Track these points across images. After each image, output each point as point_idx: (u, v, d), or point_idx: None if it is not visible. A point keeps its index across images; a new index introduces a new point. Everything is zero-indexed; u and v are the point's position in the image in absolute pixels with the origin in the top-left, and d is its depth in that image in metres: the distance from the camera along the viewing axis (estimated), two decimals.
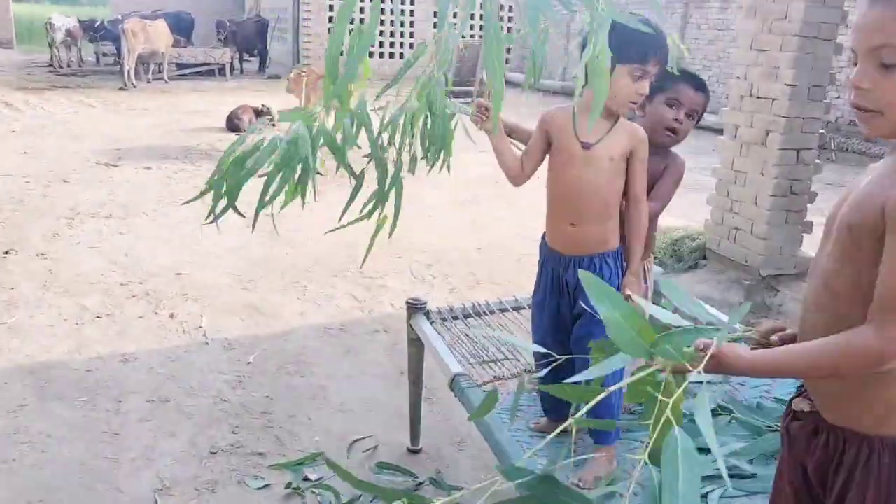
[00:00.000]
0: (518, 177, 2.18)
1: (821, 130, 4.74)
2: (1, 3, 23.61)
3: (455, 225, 6.11)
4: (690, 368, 1.16)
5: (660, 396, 1.10)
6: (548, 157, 2.14)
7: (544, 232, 2.22)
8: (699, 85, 2.32)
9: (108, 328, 3.93)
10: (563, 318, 2.12)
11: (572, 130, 2.05)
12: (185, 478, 2.74)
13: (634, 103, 2.02)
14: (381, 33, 18.42)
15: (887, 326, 1.15)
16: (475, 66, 14.10)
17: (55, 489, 2.65)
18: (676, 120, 2.27)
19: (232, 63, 17.01)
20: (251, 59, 18.96)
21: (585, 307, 2.01)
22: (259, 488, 2.69)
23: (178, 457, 2.87)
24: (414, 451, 2.96)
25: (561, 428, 1.15)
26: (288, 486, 2.69)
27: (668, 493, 0.96)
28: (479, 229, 6.00)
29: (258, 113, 10.26)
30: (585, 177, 2.04)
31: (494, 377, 2.49)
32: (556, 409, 2.22)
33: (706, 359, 1.16)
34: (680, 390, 1.11)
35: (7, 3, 23.77)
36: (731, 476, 2.01)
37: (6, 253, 4.93)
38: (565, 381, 1.15)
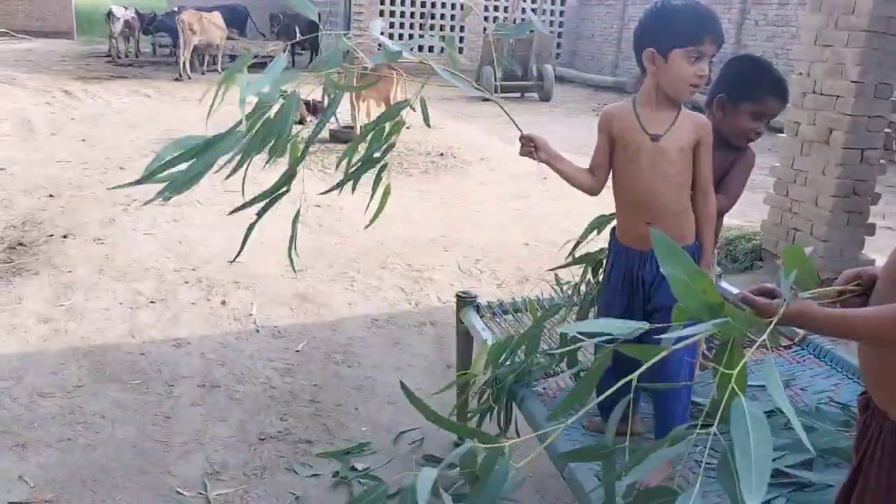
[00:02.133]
0: (593, 187, 2.14)
1: (886, 130, 4.57)
2: None
3: (502, 220, 6.07)
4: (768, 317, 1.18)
5: (721, 369, 1.09)
6: (614, 156, 2.09)
7: (613, 227, 2.16)
8: (785, 95, 2.28)
9: (161, 313, 4.00)
10: (633, 315, 2.05)
11: (636, 124, 2.00)
12: (235, 463, 2.77)
13: (695, 86, 1.94)
14: (432, 27, 18.42)
15: None
16: (527, 61, 14.00)
17: (108, 470, 2.70)
18: (757, 132, 2.25)
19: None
20: (302, 52, 19.14)
21: (662, 303, 1.98)
22: (307, 476, 2.70)
23: (228, 442, 2.90)
24: (460, 445, 2.93)
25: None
26: (335, 475, 2.70)
27: (742, 457, 0.95)
28: (526, 225, 5.95)
29: (309, 106, 10.35)
30: (657, 169, 1.99)
31: (546, 374, 2.45)
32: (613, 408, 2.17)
33: (783, 307, 1.15)
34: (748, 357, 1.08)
35: None
36: (790, 485, 1.95)
37: (65, 237, 5.06)
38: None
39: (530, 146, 2.08)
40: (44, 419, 2.99)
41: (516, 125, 2.12)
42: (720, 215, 2.19)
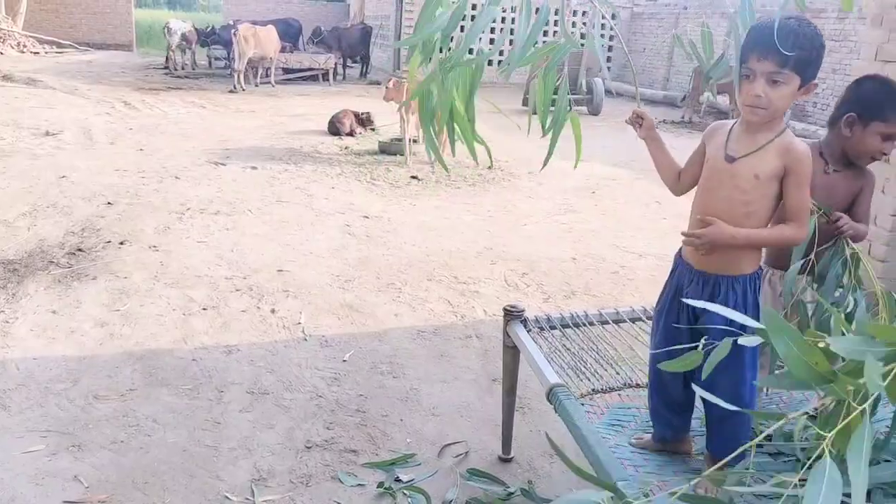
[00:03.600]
0: (674, 185, 2.17)
1: None
2: (123, 8, 25.12)
3: (550, 234, 6.04)
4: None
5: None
6: None
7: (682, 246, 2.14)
8: None
9: (213, 320, 4.08)
10: (679, 330, 2.04)
11: (723, 142, 1.97)
12: (281, 470, 2.80)
13: (751, 106, 1.88)
14: (480, 40, 18.47)
15: None
16: (576, 74, 13.94)
17: (159, 472, 2.76)
18: (883, 152, 2.23)
19: (335, 68, 17.46)
20: (353, 64, 19.41)
21: (710, 325, 1.94)
22: (352, 485, 2.72)
23: (275, 449, 2.94)
24: (505, 460, 2.93)
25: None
26: (380, 485, 2.71)
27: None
28: (574, 240, 5.91)
29: (359, 118, 10.49)
30: (723, 191, 1.95)
31: (593, 390, 2.43)
32: (668, 426, 2.15)
33: None
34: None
35: (129, 8, 25.27)
36: None
37: (121, 244, 5.20)
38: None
39: (638, 120, 2.15)
40: (98, 421, 3.07)
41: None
42: (860, 239, 2.16)
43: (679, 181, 2.16)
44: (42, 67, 17.06)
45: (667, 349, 2.01)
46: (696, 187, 2.09)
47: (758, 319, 1.96)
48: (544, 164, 2.44)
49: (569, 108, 2.24)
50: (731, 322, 1.89)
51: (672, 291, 2.07)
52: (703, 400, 2.05)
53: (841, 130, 2.34)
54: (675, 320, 2.05)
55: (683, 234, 1.99)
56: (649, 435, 2.21)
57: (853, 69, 4.59)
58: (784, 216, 1.97)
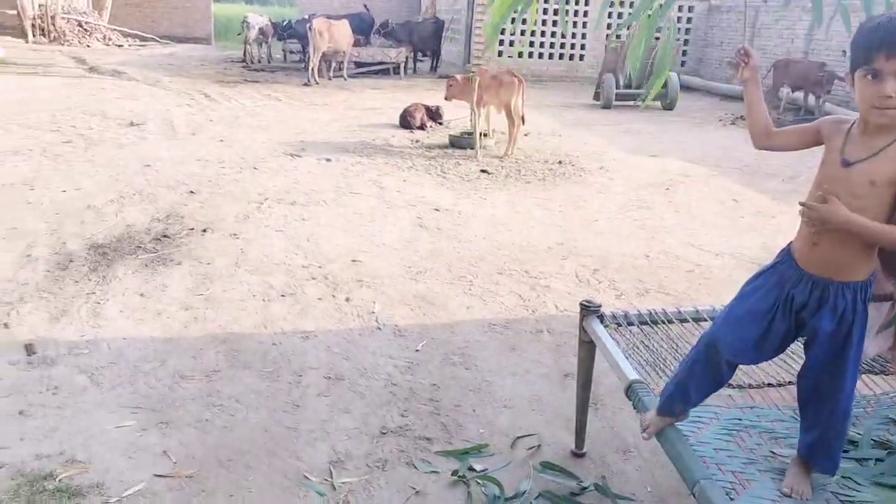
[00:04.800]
0: (761, 137, 2.09)
1: None
2: (203, 3, 25.87)
3: (622, 230, 5.98)
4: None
5: None
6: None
7: (791, 241, 2.07)
8: None
9: (291, 307, 4.20)
10: (773, 330, 1.98)
11: (839, 143, 1.89)
12: (358, 454, 2.88)
13: (881, 108, 1.78)
14: (553, 34, 18.35)
15: None
16: (649, 67, 13.71)
17: (242, 451, 2.87)
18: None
19: (407, 62, 17.60)
20: (424, 58, 19.52)
21: (818, 327, 1.92)
22: (427, 472, 2.77)
23: (352, 433, 3.02)
24: (578, 455, 2.93)
25: None
26: (454, 473, 2.75)
27: None
28: (647, 236, 5.83)
29: (429, 112, 10.56)
30: (838, 196, 1.85)
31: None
32: (687, 403, 2.12)
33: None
34: None
35: (208, 2, 26.01)
36: None
37: (204, 231, 5.39)
38: None
39: (744, 58, 2.06)
40: (185, 400, 3.21)
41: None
42: None
43: (769, 137, 2.07)
44: (125, 60, 17.75)
45: (740, 335, 1.97)
46: (811, 188, 1.96)
47: (865, 327, 1.92)
48: (643, 103, 2.46)
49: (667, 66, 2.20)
50: (838, 328, 1.86)
51: (773, 281, 2.00)
52: (802, 408, 2.01)
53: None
54: (770, 321, 1.98)
55: (801, 203, 1.91)
56: (651, 413, 2.17)
57: None
58: None
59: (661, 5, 2.24)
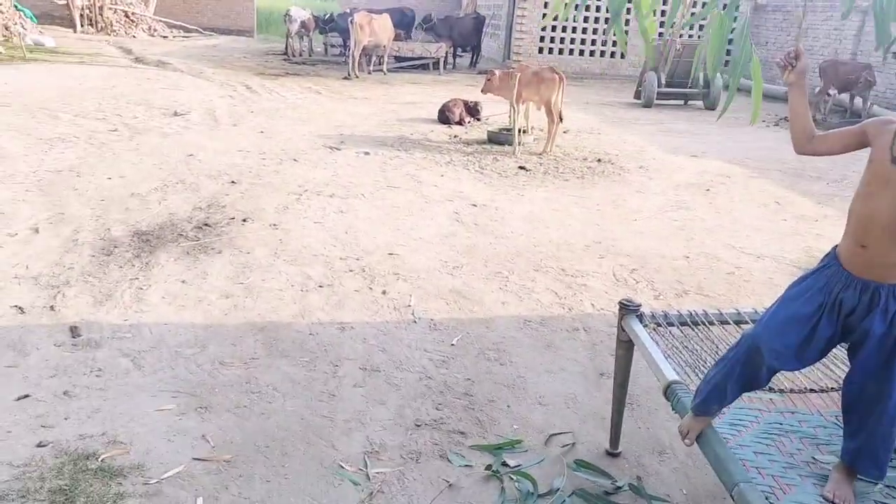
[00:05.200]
0: (802, 143, 2.06)
1: None
2: None
3: (661, 230, 5.92)
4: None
5: None
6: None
7: (836, 245, 2.04)
8: None
9: (328, 297, 4.24)
10: (817, 335, 1.96)
11: (888, 143, 1.86)
12: (393, 445, 2.90)
13: None
14: (595, 31, 18.19)
15: None
16: (690, 66, 13.52)
17: (279, 438, 2.91)
18: None
19: (446, 58, 17.60)
20: (463, 54, 19.50)
21: (869, 329, 1.89)
22: (460, 465, 2.78)
23: (387, 424, 3.04)
24: (612, 454, 2.91)
25: None
26: (488, 468, 2.76)
27: None
28: (687, 237, 5.76)
29: (468, 107, 10.55)
30: (888, 196, 1.84)
31: None
32: (721, 403, 2.10)
33: None
34: None
35: None
36: None
37: (244, 221, 5.46)
38: None
39: (792, 62, 2.04)
40: (224, 386, 3.26)
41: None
42: None
43: (810, 142, 2.04)
44: (170, 51, 18.03)
45: (783, 340, 1.95)
46: (857, 190, 1.95)
47: None
48: (719, 116, 2.90)
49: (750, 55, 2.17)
50: (889, 331, 1.83)
51: (819, 286, 1.97)
52: (848, 412, 1.98)
53: None
54: (814, 325, 1.96)
55: None
56: (687, 417, 2.14)
57: None
58: None
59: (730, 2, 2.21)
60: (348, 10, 17.87)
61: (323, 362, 3.51)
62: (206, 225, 5.32)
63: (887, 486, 1.92)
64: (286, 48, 18.30)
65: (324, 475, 2.70)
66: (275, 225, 5.42)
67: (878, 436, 1.93)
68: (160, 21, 23.69)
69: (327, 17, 18.52)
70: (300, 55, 18.19)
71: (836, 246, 2.02)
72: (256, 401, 3.16)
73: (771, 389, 2.38)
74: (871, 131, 1.94)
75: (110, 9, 22.18)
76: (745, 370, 2.04)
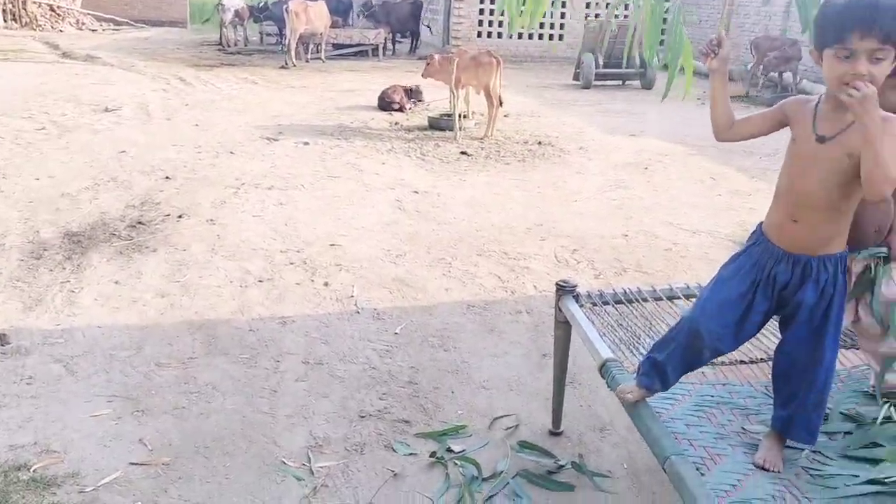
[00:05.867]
0: (724, 130, 2.08)
1: None
2: None
3: (601, 211, 5.99)
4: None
5: None
6: (787, 146, 2.00)
7: (761, 222, 2.09)
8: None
9: (268, 292, 4.18)
10: (753, 311, 2.01)
11: (809, 121, 1.91)
12: (336, 438, 2.88)
13: (850, 85, 1.76)
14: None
15: None
16: (629, 47, 13.69)
17: (219, 438, 2.86)
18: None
19: (385, 44, 17.45)
20: (402, 40, 19.37)
21: (802, 300, 1.94)
22: (405, 454, 2.78)
23: (330, 417, 3.01)
24: (555, 434, 2.95)
25: None
26: (432, 455, 2.76)
27: None
28: (625, 216, 5.85)
29: (408, 93, 10.50)
30: (816, 172, 1.89)
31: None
32: (664, 382, 2.13)
33: None
34: None
35: None
36: None
37: (180, 217, 5.34)
38: None
39: (714, 49, 2.04)
40: (161, 387, 3.19)
41: None
42: None
43: (732, 129, 2.06)
44: (99, 44, 17.46)
45: (720, 321, 1.99)
46: (783, 167, 1.99)
47: (844, 299, 1.97)
48: (663, 97, 2.73)
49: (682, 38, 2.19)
50: (819, 301, 1.89)
51: (750, 271, 2.01)
52: (779, 382, 2.04)
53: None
54: (749, 302, 2.00)
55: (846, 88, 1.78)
56: (633, 385, 2.18)
57: None
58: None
59: None
60: None
61: (264, 358, 3.46)
62: (139, 223, 5.18)
63: (813, 452, 1.98)
64: (220, 38, 17.90)
65: (266, 472, 2.66)
66: (212, 220, 5.31)
67: (810, 403, 1.99)
68: (88, 14, 22.90)
69: (262, 5, 18.17)
70: (235, 45, 17.81)
71: (762, 223, 2.07)
72: (195, 401, 3.10)
73: None
74: (791, 112, 1.98)
75: (34, 2, 21.34)
76: (686, 353, 2.09)
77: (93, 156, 6.99)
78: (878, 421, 2.04)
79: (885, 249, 2.14)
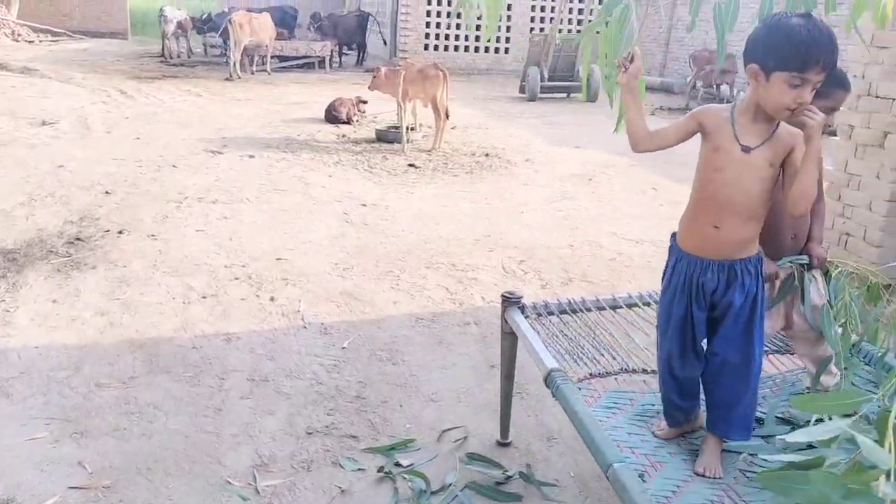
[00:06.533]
0: (641, 142, 2.12)
1: None
2: None
3: (547, 221, 6.07)
4: None
5: None
6: (701, 156, 2.06)
7: (674, 233, 2.15)
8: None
9: (212, 308, 4.11)
10: (693, 321, 2.06)
11: (730, 132, 1.98)
12: (283, 455, 2.84)
13: (792, 111, 1.88)
14: (478, 28, 18.43)
15: None
16: (573, 61, 13.93)
17: (162, 458, 2.79)
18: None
19: (332, 56, 17.40)
20: (350, 52, 19.35)
21: (730, 301, 2.02)
22: (353, 470, 2.75)
23: (276, 435, 2.97)
24: (503, 444, 2.96)
25: None
26: (380, 470, 2.75)
27: None
28: (571, 227, 5.93)
29: (355, 104, 10.48)
30: (740, 181, 1.96)
31: (590, 374, 2.46)
32: (682, 412, 2.18)
33: None
34: None
35: None
36: None
37: (120, 233, 5.22)
38: None
39: (627, 64, 2.08)
40: (101, 408, 3.10)
41: None
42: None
43: (650, 140, 2.10)
44: (37, 56, 16.98)
45: (680, 344, 2.06)
46: (701, 177, 2.06)
47: (765, 298, 2.08)
48: (616, 128, 2.56)
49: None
50: (745, 301, 1.97)
51: (680, 284, 2.07)
52: (712, 385, 2.10)
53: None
54: (685, 313, 2.06)
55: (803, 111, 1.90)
56: (664, 422, 2.23)
57: (848, 54, 4.62)
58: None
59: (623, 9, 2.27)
60: (227, 10, 17.38)
61: (207, 376, 3.40)
62: (78, 239, 5.04)
63: (751, 455, 2.03)
64: (163, 50, 17.61)
65: (210, 493, 2.61)
66: (153, 235, 5.20)
67: (746, 400, 2.06)
68: (24, 25, 22.25)
69: (205, 16, 17.95)
70: (178, 57, 17.54)
71: (674, 236, 2.14)
72: (136, 421, 3.02)
73: (644, 371, 2.48)
74: (707, 122, 2.04)
75: None
76: (673, 381, 2.16)
77: (29, 171, 6.79)
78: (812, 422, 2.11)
79: (806, 258, 2.27)
